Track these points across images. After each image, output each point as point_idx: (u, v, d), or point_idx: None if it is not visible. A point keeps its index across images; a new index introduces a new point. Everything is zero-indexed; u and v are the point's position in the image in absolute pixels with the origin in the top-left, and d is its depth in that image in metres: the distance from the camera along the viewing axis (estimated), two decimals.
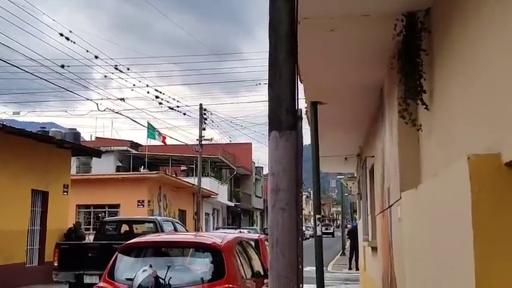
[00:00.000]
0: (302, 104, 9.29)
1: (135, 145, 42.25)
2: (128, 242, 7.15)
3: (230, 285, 6.28)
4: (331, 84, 8.10)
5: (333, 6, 5.24)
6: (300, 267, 3.50)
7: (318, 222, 9.38)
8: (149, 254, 6.93)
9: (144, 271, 5.95)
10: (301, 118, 3.75)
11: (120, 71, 23.30)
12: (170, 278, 6.05)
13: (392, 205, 6.59)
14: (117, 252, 6.87)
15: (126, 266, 6.66)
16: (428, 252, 4.15)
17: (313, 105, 9.21)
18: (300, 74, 6.92)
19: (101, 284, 6.63)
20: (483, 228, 2.77)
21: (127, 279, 6.18)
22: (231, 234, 9.08)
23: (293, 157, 3.52)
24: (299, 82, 5.64)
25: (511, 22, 2.91)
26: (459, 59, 4.07)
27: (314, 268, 9.32)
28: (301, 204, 3.59)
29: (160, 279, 5.97)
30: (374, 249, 10.19)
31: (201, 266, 6.59)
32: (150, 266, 6.04)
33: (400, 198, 5.59)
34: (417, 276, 4.81)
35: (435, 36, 4.96)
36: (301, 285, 3.56)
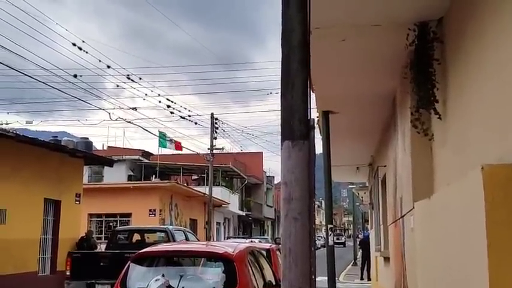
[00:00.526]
0: (313, 114, 9.30)
1: (146, 154, 42.40)
2: (140, 251, 7.15)
3: None
4: (343, 93, 8.10)
5: (344, 16, 5.25)
6: (313, 277, 3.49)
7: (329, 232, 9.36)
8: (161, 264, 6.93)
9: (156, 280, 5.96)
10: (314, 128, 3.74)
11: (132, 80, 23.39)
12: (183, 287, 6.05)
13: (405, 215, 6.56)
14: (129, 262, 6.88)
15: (138, 275, 6.66)
16: (442, 262, 4.13)
17: (325, 115, 9.21)
18: (312, 83, 6.93)
19: None
20: (497, 238, 2.76)
21: None
22: (242, 243, 9.06)
23: (305, 167, 3.52)
24: (311, 92, 5.65)
25: None
26: (473, 67, 4.05)
27: (326, 278, 9.29)
28: (314, 214, 3.59)
29: None
30: (386, 259, 10.13)
31: (213, 276, 6.58)
32: (163, 275, 6.06)
33: (413, 208, 5.56)
34: (430, 286, 4.78)
35: (448, 46, 4.95)
36: None
